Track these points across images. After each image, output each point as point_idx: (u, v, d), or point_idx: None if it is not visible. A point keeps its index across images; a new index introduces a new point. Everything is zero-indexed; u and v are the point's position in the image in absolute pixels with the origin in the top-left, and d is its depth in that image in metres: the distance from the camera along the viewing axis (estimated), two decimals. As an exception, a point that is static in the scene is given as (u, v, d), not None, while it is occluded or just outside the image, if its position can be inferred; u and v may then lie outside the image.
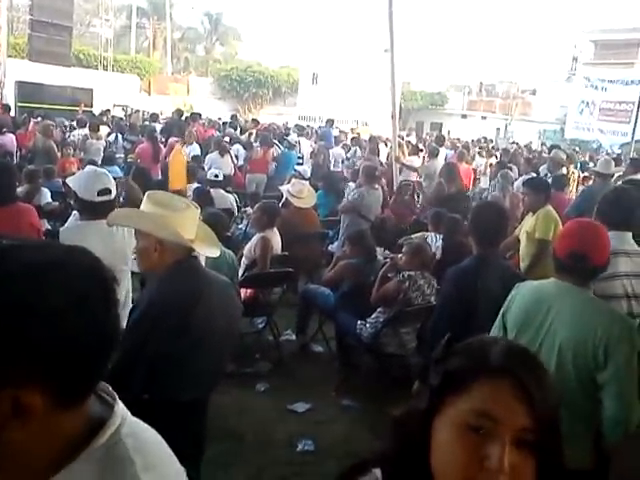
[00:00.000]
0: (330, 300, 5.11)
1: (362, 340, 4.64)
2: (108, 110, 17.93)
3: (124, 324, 2.36)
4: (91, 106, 19.03)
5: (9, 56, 20.72)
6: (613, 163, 8.10)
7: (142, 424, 0.98)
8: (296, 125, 17.77)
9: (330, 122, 15.70)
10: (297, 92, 32.79)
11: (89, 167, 3.99)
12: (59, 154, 9.82)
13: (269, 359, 5.06)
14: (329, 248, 7.26)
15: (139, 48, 38.35)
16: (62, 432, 0.85)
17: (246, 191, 9.56)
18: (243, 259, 5.40)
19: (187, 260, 2.39)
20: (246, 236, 6.62)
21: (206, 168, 9.01)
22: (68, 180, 3.47)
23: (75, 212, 3.49)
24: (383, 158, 11.98)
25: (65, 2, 20.39)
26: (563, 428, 2.04)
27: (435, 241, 5.60)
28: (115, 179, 3.46)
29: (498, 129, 30.90)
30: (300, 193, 6.70)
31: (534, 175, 8.22)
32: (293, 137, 14.27)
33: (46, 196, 6.86)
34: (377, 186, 7.38)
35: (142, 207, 2.45)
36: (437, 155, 9.92)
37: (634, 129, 11.78)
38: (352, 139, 13.99)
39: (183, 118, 13.25)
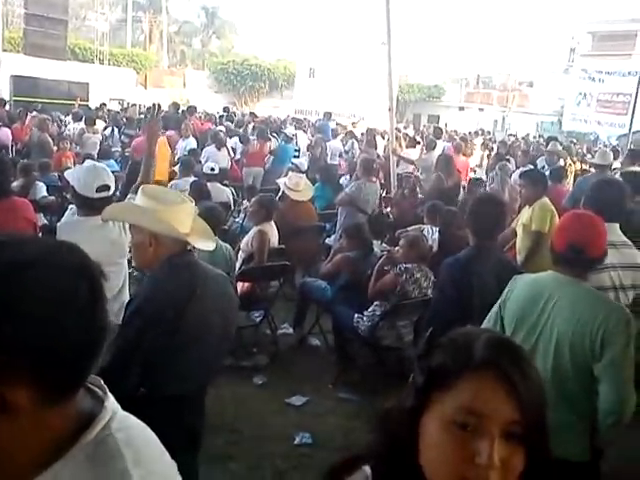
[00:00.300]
0: (327, 293, 5.11)
1: (359, 333, 4.64)
2: (104, 104, 17.87)
3: (120, 318, 2.36)
4: (87, 100, 18.99)
5: (4, 50, 20.63)
6: (611, 154, 8.09)
7: (133, 418, 0.97)
8: (293, 118, 17.72)
9: (328, 115, 15.65)
10: (294, 85, 32.68)
11: (88, 162, 3.96)
12: (55, 148, 9.79)
13: (266, 353, 5.05)
14: (326, 241, 7.25)
15: (135, 42, 38.16)
16: (50, 428, 0.85)
17: (243, 184, 9.54)
18: (240, 252, 5.40)
19: (182, 254, 2.38)
20: (243, 229, 6.61)
21: (203, 161, 8.98)
22: (67, 174, 3.46)
23: (71, 206, 3.48)
24: (380, 151, 11.95)
25: (60, -5, 20.30)
26: (559, 419, 2.04)
27: (432, 234, 5.59)
28: (113, 173, 3.45)
29: (495, 121, 30.87)
30: (297, 186, 6.69)
31: (531, 167, 8.21)
32: (290, 130, 14.23)
33: (42, 190, 6.83)
34: (375, 179, 7.36)
35: (137, 201, 2.44)
36: (434, 148, 9.90)
37: (631, 120, 11.78)
38: (346, 133, 13.96)
39: (179, 112, 13.18)
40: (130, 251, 3.00)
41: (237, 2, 39.91)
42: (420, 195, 7.72)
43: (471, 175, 10.84)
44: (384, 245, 5.85)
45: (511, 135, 21.29)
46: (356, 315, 4.67)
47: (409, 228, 5.79)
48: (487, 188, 8.16)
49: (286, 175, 7.77)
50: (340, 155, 12.57)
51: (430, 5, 33.30)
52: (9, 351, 0.77)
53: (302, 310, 5.39)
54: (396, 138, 9.08)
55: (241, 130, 12.97)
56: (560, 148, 10.45)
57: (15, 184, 6.49)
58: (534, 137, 19.97)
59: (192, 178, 7.04)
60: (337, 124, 15.50)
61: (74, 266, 0.85)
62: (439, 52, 33.78)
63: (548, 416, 0.91)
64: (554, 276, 2.33)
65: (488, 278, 2.95)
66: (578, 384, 2.20)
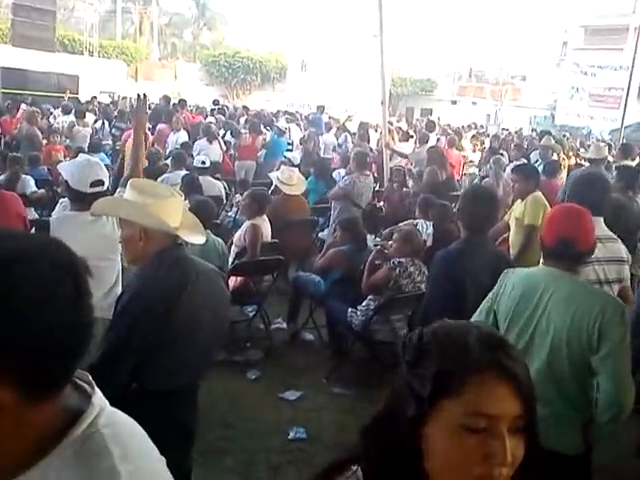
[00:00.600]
0: (321, 288, 5.09)
1: (353, 328, 4.64)
2: (95, 97, 17.72)
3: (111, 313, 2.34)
4: (77, 93, 18.80)
5: (-9, 41, 20.41)
6: (606, 148, 8.12)
7: (121, 414, 0.96)
8: (285, 111, 17.64)
9: (321, 108, 15.59)
10: (286, 78, 32.58)
11: (82, 157, 3.92)
12: (44, 141, 9.69)
13: (260, 347, 5.04)
14: (319, 235, 7.23)
15: (125, 33, 37.85)
16: (36, 426, 0.83)
17: (235, 178, 9.49)
18: (233, 247, 5.37)
19: (173, 248, 2.36)
20: (236, 224, 6.58)
21: (195, 155, 8.92)
22: (60, 168, 3.42)
23: (62, 200, 3.45)
24: (373, 144, 11.92)
25: (48, -15, 20.10)
26: (555, 413, 2.03)
27: (426, 228, 5.58)
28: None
29: (488, 115, 30.88)
30: (290, 180, 6.66)
31: (524, 162, 8.22)
32: (282, 123, 14.16)
33: (30, 184, 6.75)
34: (368, 172, 7.34)
35: (126, 195, 2.42)
36: (427, 141, 9.88)
37: (623, 115, 11.81)
38: (339, 127, 13.92)
39: (170, 104, 13.09)
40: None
41: (228, -6, 39.65)
42: (411, 188, 7.69)
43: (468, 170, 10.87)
44: (377, 239, 5.84)
45: (504, 129, 21.30)
46: (350, 309, 4.66)
47: (403, 223, 5.76)
48: (480, 181, 8.17)
49: (279, 169, 7.73)
50: (334, 149, 12.53)
51: (422, -2, 33.25)
52: None
53: (295, 304, 5.38)
54: (389, 132, 9.06)
55: (232, 123, 12.91)
56: (553, 142, 10.46)
57: (1, 178, 6.44)
58: (527, 131, 20.00)
59: (183, 172, 6.98)
60: (330, 117, 15.44)
61: (58, 262, 0.84)
62: (432, 45, 33.70)
63: (539, 408, 0.93)
64: (547, 270, 2.33)
65: (480, 271, 2.95)
66: (574, 378, 2.20)
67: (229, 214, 7.40)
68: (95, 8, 28.84)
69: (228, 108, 17.63)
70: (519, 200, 5.06)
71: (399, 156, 9.43)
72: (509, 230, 5.02)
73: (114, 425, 0.91)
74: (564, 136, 15.63)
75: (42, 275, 0.80)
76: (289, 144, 12.31)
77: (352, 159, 7.45)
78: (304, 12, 33.95)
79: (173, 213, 2.35)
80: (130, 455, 0.89)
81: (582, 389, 2.20)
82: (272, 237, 5.60)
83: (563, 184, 7.06)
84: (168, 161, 8.11)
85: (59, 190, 6.63)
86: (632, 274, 3.84)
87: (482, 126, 21.54)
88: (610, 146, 11.08)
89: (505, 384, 0.86)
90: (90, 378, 0.94)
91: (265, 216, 5.56)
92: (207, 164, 7.66)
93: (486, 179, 8.18)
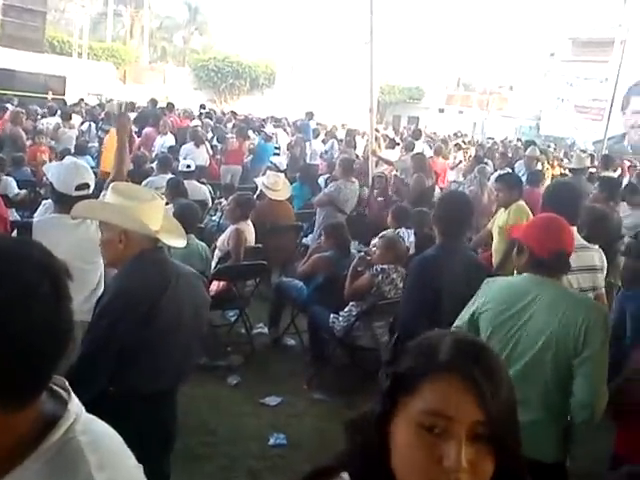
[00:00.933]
0: (303, 293, 5.10)
1: (335, 333, 4.64)
2: (82, 99, 17.62)
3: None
4: (63, 94, 18.69)
5: (-20, 41, 20.22)
6: (588, 159, 8.21)
7: (97, 421, 0.95)
8: (272, 117, 17.65)
9: (309, 115, 15.61)
10: (274, 84, 32.61)
11: (69, 159, 3.91)
12: (29, 142, 9.61)
13: (241, 352, 5.03)
14: (303, 241, 7.24)
15: (116, 36, 37.68)
16: (10, 433, 0.82)
17: (221, 182, 9.47)
18: (216, 251, 5.36)
19: (153, 251, 2.36)
20: (220, 228, 6.57)
21: (181, 159, 8.90)
22: (45, 169, 3.41)
23: (45, 202, 3.43)
24: (360, 151, 11.97)
25: (38, -14, 20.03)
26: (535, 420, 2.05)
27: (408, 236, 5.60)
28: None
29: (475, 124, 31.09)
30: (275, 185, 6.67)
31: (508, 171, 8.29)
32: (270, 129, 14.18)
33: (11, 185, 6.68)
34: (354, 179, 7.37)
35: (107, 198, 2.43)
36: (413, 149, 9.94)
37: (607, 127, 11.97)
38: (327, 132, 13.95)
39: (158, 108, 13.05)
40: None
41: (219, -1, 39.57)
42: (393, 195, 7.72)
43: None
44: (361, 246, 5.85)
45: (489, 138, 21.47)
46: (332, 315, 4.66)
47: (386, 231, 5.76)
48: (466, 190, 8.21)
49: (264, 174, 7.73)
50: (320, 155, 12.57)
51: (412, 7, 33.41)
52: None
53: (278, 310, 5.37)
54: (375, 139, 9.11)
55: (220, 127, 12.90)
56: (538, 152, 10.56)
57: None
58: (511, 141, 20.18)
59: (169, 175, 6.96)
60: (317, 124, 15.47)
61: (37, 264, 0.82)
62: (420, 54, 33.89)
63: (518, 416, 0.91)
64: (530, 278, 2.35)
65: (456, 276, 2.97)
66: (557, 382, 2.23)
67: (213, 218, 7.38)
68: (86, 10, 28.71)
69: (216, 112, 17.60)
70: (502, 209, 5.11)
71: (385, 163, 9.48)
72: (492, 239, 5.06)
73: (91, 432, 0.89)
74: (548, 146, 15.79)
75: (19, 277, 0.79)
76: (276, 149, 12.33)
77: (338, 165, 7.47)
78: (295, 19, 34.06)
79: (154, 216, 2.35)
80: (107, 463, 0.88)
81: (563, 394, 2.23)
82: (256, 242, 5.59)
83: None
84: (154, 164, 8.09)
85: (42, 191, 6.60)
86: (612, 283, 3.90)
87: (465, 135, 21.63)
88: (592, 157, 11.23)
89: (465, 387, 0.85)
90: (66, 384, 0.92)
91: (249, 221, 5.56)
92: (192, 168, 7.64)
93: (470, 188, 8.24)
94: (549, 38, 31.03)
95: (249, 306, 5.34)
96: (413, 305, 3.15)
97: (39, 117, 12.92)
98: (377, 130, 11.83)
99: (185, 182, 6.32)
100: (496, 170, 9.43)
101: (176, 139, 10.57)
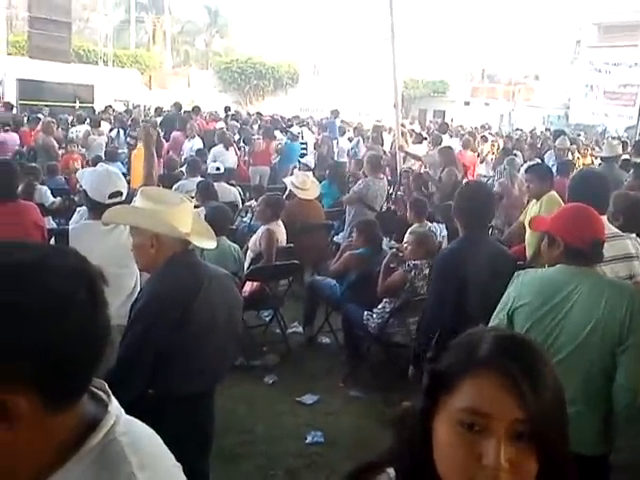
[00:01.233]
0: (336, 291, 5.10)
1: (369, 331, 4.63)
2: (110, 106, 17.92)
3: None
4: (92, 102, 19.02)
5: (9, 54, 20.68)
6: (620, 146, 8.02)
7: (137, 422, 0.97)
8: (296, 116, 17.69)
9: (335, 113, 15.58)
10: (298, 83, 32.67)
11: (101, 166, 3.98)
12: (61, 151, 9.80)
13: (277, 352, 5.05)
14: (334, 239, 7.24)
15: (139, 42, 38.19)
16: (53, 435, 0.84)
17: (250, 184, 9.54)
18: (249, 252, 5.40)
19: (184, 254, 2.39)
20: (251, 229, 6.61)
21: (209, 161, 8.98)
22: (79, 176, 3.46)
23: (79, 209, 3.49)
24: (387, 147, 11.91)
25: (62, -2, 20.38)
26: (578, 413, 2.01)
27: (440, 231, 5.56)
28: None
29: (502, 115, 30.70)
30: (304, 184, 6.68)
31: (538, 162, 8.16)
32: (295, 129, 14.21)
33: (46, 194, 6.82)
34: (382, 175, 7.33)
35: (136, 203, 2.46)
36: (440, 143, 9.85)
37: (639, 111, 11.69)
38: (354, 128, 13.92)
39: (183, 111, 13.18)
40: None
41: (240, 0, 39.71)
42: (430, 190, 7.65)
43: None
44: (393, 242, 5.82)
45: (518, 129, 21.15)
46: (366, 312, 4.66)
47: (414, 225, 5.71)
48: (495, 183, 8.11)
49: (292, 174, 7.75)
50: (348, 153, 12.55)
51: (433, 0, 33.13)
52: (9, 357, 0.76)
53: (312, 308, 5.39)
54: (402, 134, 9.05)
55: (247, 128, 12.97)
56: (569, 143, 10.37)
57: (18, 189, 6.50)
58: (541, 131, 19.85)
59: (198, 178, 7.04)
60: (342, 122, 15.43)
61: (73, 271, 0.84)
62: (444, 47, 33.52)
63: (566, 413, 0.89)
64: (566, 268, 2.32)
65: (481, 267, 2.95)
66: (601, 371, 2.20)
67: (244, 220, 7.44)
68: (109, 19, 29.16)
69: (241, 114, 17.71)
70: (534, 200, 5.03)
71: (412, 158, 9.42)
72: (525, 230, 4.98)
73: (131, 433, 0.91)
74: (578, 135, 15.49)
75: (57, 284, 0.81)
76: (303, 148, 12.34)
77: (366, 162, 7.45)
78: (316, 17, 34.03)
79: (184, 219, 2.38)
80: (147, 463, 0.89)
81: (606, 382, 2.20)
82: (287, 242, 5.62)
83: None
84: (183, 168, 8.19)
85: (75, 199, 6.73)
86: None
87: (490, 127, 21.30)
88: (625, 143, 10.97)
89: (504, 385, 0.84)
90: (106, 386, 0.94)
91: (280, 221, 5.58)
92: (221, 170, 7.71)
93: (500, 180, 8.13)
94: (573, 25, 30.46)
95: (283, 306, 5.37)
96: (437, 297, 3.14)
97: (70, 126, 13.18)
98: (403, 125, 11.74)
99: (215, 184, 6.39)
100: (525, 161, 9.31)
101: (203, 142, 10.68)
